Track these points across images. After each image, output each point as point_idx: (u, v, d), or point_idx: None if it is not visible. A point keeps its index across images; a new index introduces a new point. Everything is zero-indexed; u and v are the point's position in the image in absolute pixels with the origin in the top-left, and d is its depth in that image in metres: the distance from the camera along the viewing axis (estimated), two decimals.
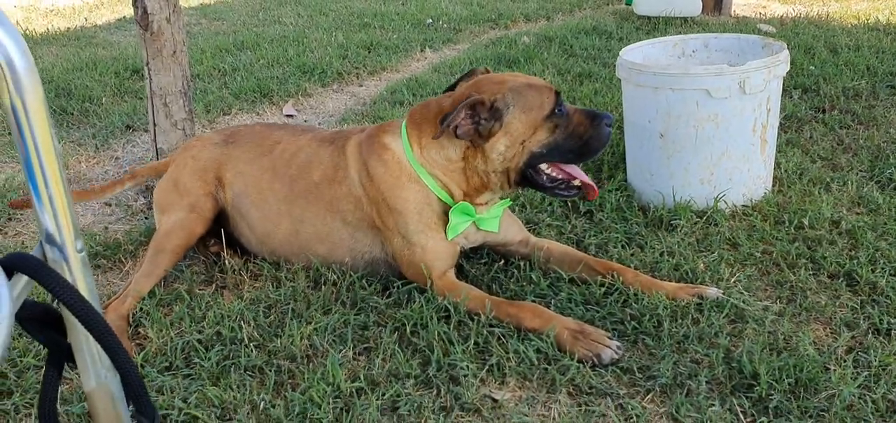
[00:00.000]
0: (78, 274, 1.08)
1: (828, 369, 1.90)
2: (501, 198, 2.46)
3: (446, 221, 2.36)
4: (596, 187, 2.37)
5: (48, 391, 1.13)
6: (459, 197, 2.36)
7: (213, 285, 2.58)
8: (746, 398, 1.84)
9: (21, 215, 3.20)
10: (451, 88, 2.49)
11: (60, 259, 1.07)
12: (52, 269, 1.03)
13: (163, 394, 1.98)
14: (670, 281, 2.36)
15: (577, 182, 2.36)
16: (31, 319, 1.08)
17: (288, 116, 4.55)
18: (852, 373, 1.88)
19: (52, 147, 1.03)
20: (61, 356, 1.12)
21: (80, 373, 1.13)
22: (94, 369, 1.13)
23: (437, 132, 2.26)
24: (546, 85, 2.31)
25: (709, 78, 2.72)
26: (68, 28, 7.44)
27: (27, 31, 7.14)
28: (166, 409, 1.92)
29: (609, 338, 2.05)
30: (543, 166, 2.33)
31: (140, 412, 1.11)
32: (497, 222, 2.44)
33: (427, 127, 2.33)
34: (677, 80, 2.77)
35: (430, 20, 6.94)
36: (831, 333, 2.09)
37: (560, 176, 2.35)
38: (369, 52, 5.85)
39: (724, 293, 2.25)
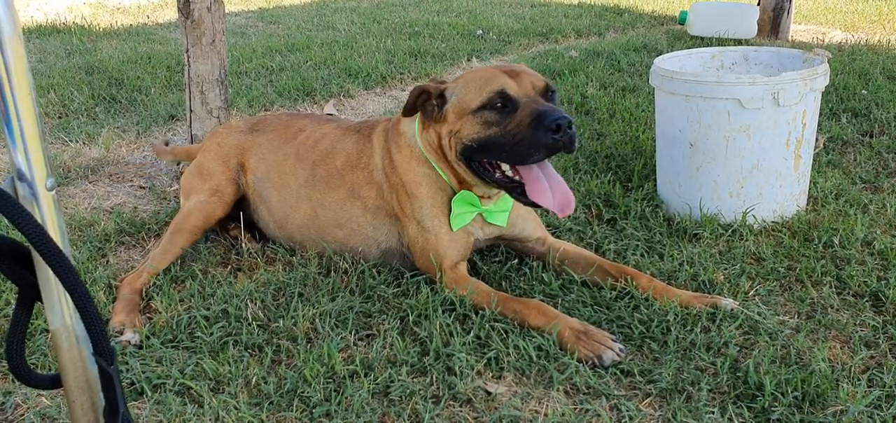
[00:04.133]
0: (47, 212, 1.10)
1: (838, 385, 1.81)
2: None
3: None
4: (562, 209, 2.15)
5: (16, 329, 1.14)
6: (455, 183, 2.36)
7: (229, 267, 2.60)
8: (748, 408, 1.77)
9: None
10: None
11: (30, 196, 1.08)
12: (18, 203, 1.04)
13: (162, 364, 2.00)
14: (687, 290, 2.29)
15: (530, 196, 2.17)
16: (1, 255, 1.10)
17: (328, 114, 4.59)
18: (864, 391, 1.79)
19: (27, 81, 1.04)
20: (31, 295, 1.14)
21: (46, 311, 1.14)
22: (59, 308, 1.14)
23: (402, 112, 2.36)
24: (498, 80, 2.20)
25: (741, 87, 2.65)
26: (131, 24, 7.69)
27: (91, 26, 7.41)
28: (163, 378, 1.94)
29: (612, 340, 1.99)
30: (504, 166, 2.21)
31: (97, 352, 1.12)
32: (505, 215, 2.41)
33: None
34: (709, 88, 2.70)
35: (481, 31, 6.95)
36: (848, 351, 2.00)
37: (515, 178, 2.21)
38: (416, 58, 5.88)
39: (739, 305, 2.17)
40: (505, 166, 2.22)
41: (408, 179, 2.39)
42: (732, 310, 2.14)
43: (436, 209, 2.36)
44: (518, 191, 2.21)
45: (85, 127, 4.12)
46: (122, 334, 2.13)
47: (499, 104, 2.18)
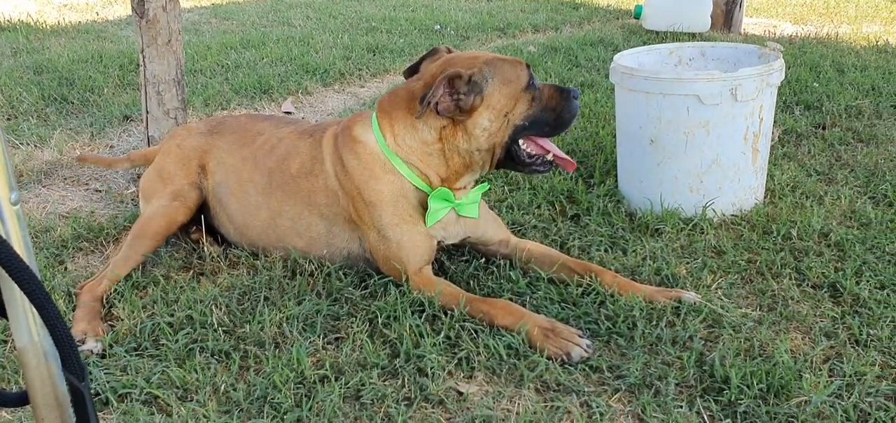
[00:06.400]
0: (11, 227, 1.06)
1: (801, 376, 1.86)
2: (481, 180, 2.44)
3: (423, 211, 2.33)
4: (573, 161, 2.40)
5: None
6: (437, 183, 2.33)
7: (191, 272, 2.56)
8: (715, 401, 1.80)
9: None
10: (413, 69, 2.47)
11: None
12: None
13: (127, 373, 1.96)
14: (650, 285, 2.32)
15: (550, 156, 2.38)
16: None
17: (286, 112, 4.54)
18: (826, 381, 1.84)
19: None
20: None
21: (11, 328, 1.11)
22: (26, 325, 1.11)
23: (417, 112, 2.23)
24: (516, 59, 2.33)
25: (700, 84, 2.69)
26: (80, 22, 7.50)
27: (38, 23, 7.21)
28: (129, 387, 1.90)
29: (580, 337, 2.01)
30: (521, 142, 2.34)
31: (67, 369, 1.09)
32: (476, 207, 2.41)
33: (398, 114, 2.31)
34: (669, 85, 2.74)
35: (439, 26, 6.94)
36: (809, 342, 2.05)
37: (536, 151, 2.37)
38: (374, 54, 5.85)
39: (703, 299, 2.21)
40: (523, 144, 2.34)
41: (366, 187, 2.34)
42: (696, 304, 2.18)
43: (396, 217, 2.33)
44: (538, 163, 2.37)
45: (36, 129, 4.01)
46: (83, 344, 2.08)
47: (532, 82, 2.30)
